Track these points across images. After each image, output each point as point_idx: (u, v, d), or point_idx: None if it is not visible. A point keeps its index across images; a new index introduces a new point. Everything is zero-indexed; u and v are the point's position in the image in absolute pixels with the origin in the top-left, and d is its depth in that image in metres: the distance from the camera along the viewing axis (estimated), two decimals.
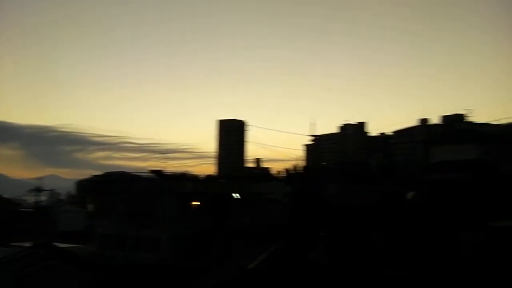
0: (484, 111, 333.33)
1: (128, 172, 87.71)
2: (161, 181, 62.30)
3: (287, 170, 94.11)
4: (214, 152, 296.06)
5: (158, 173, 65.28)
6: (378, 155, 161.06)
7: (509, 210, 37.15)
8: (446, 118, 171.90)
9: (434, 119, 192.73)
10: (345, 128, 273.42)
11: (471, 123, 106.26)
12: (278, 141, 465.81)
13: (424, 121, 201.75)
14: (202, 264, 38.62)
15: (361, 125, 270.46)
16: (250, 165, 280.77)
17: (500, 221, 34.68)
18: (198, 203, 56.59)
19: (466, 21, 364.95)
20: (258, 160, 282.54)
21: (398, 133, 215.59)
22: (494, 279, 28.47)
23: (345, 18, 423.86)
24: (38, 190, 66.93)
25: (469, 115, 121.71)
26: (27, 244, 50.73)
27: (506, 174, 55.97)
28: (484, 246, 32.22)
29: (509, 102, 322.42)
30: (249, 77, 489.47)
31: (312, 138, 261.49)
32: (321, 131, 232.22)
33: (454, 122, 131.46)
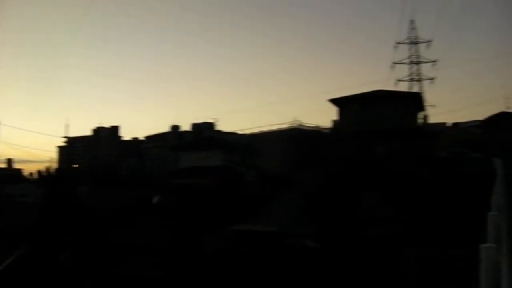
0: (230, 121, 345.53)
1: None
2: None
3: (39, 172, 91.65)
4: None
5: None
6: (130, 160, 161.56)
7: (248, 214, 39.75)
8: (195, 125, 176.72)
9: (185, 126, 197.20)
10: (99, 131, 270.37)
11: (218, 131, 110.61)
12: (31, 142, 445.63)
13: (175, 127, 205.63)
14: None
15: (114, 128, 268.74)
16: (1, 165, 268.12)
17: (240, 224, 36.91)
18: None
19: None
20: (9, 161, 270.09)
21: (151, 138, 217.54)
22: (238, 278, 30.26)
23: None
24: None
25: (217, 123, 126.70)
26: None
27: (248, 180, 59.61)
28: (226, 248, 34.08)
29: (254, 113, 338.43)
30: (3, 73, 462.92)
31: (65, 140, 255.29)
32: (75, 133, 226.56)
33: (203, 130, 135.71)
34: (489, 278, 4.32)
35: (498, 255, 5.24)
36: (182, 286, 30.69)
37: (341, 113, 70.90)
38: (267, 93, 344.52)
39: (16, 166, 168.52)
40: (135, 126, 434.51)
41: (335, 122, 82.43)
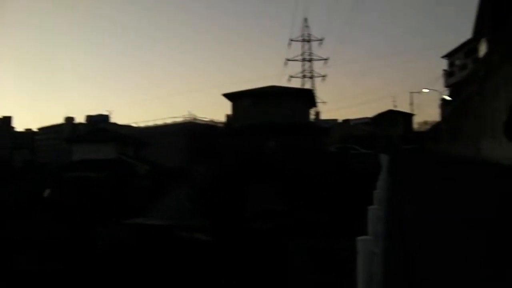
0: (125, 114, 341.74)
1: None
2: None
3: None
4: None
5: None
6: (23, 151, 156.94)
7: (141, 208, 39.58)
8: (90, 117, 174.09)
9: (80, 118, 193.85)
10: None
11: (113, 124, 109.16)
12: None
13: (70, 119, 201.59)
14: None
15: (7, 119, 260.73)
16: None
17: (133, 218, 36.74)
18: None
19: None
20: None
21: (44, 129, 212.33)
22: (130, 271, 30.07)
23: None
24: None
25: (111, 116, 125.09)
26: None
27: (141, 173, 59.26)
28: (119, 241, 33.82)
29: (149, 105, 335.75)
30: None
31: None
32: None
33: (98, 122, 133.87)
34: (365, 270, 4.59)
35: (375, 247, 5.57)
36: (75, 280, 30.27)
37: (234, 108, 71.42)
38: (162, 86, 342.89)
39: None
40: (28, 117, 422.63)
41: (228, 116, 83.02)
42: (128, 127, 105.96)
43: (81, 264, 31.21)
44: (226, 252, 28.94)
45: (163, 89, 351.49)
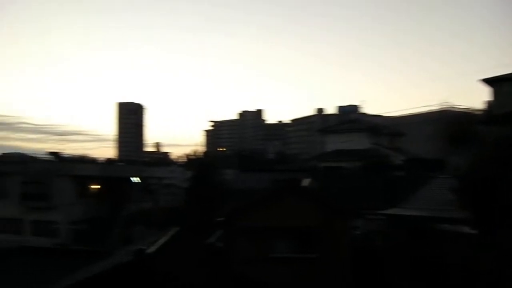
0: (376, 104, 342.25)
1: (25, 154, 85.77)
2: (59, 163, 61.29)
3: (187, 155, 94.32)
4: (113, 135, 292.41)
5: (55, 155, 64.19)
6: (275, 142, 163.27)
7: (397, 198, 38.74)
8: (341, 108, 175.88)
9: (330, 109, 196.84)
10: (244, 115, 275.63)
11: (364, 114, 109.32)
12: (178, 126, 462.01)
13: (320, 110, 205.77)
14: (101, 248, 38.46)
15: (259, 112, 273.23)
16: (150, 149, 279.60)
17: (390, 208, 36.06)
18: (97, 186, 56.06)
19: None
20: (157, 144, 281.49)
21: (295, 121, 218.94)
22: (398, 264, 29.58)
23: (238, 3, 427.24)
24: None
25: (362, 106, 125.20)
26: None
27: (396, 163, 58.30)
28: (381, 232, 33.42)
29: (400, 96, 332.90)
30: (149, 59, 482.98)
31: (212, 124, 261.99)
32: (220, 117, 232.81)
33: (348, 113, 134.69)
34: None
35: None
36: (331, 269, 30.46)
37: (495, 93, 67.51)
38: (413, 75, 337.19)
39: (164, 149, 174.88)
40: (280, 110, 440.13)
41: (488, 102, 78.95)
42: (379, 117, 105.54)
43: (336, 253, 31.26)
44: (494, 246, 27.15)
45: (414, 78, 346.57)
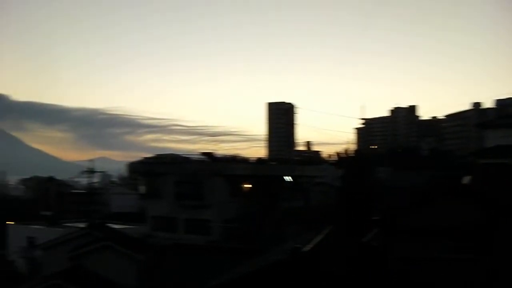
0: None
1: (178, 155, 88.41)
2: (212, 163, 62.58)
3: (338, 154, 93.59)
4: (264, 135, 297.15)
5: (209, 155, 65.59)
6: (429, 139, 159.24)
7: None
8: (499, 101, 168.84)
9: (487, 103, 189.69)
10: (396, 111, 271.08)
11: None
12: (328, 124, 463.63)
13: (477, 104, 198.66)
14: (253, 246, 38.71)
15: (412, 108, 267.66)
16: (300, 148, 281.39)
17: None
18: (249, 185, 56.74)
19: None
20: (308, 143, 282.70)
21: (450, 117, 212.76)
22: None
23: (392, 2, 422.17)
24: (90, 171, 68.13)
25: None
26: (81, 225, 51.58)
27: None
28: None
29: None
30: (298, 60, 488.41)
31: (363, 121, 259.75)
32: (371, 114, 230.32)
33: (508, 106, 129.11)
34: None
35: None
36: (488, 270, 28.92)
37: None
38: None
39: (314, 148, 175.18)
40: (433, 105, 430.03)
41: None
42: None
43: (495, 255, 29.64)
44: None
45: None
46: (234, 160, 69.59)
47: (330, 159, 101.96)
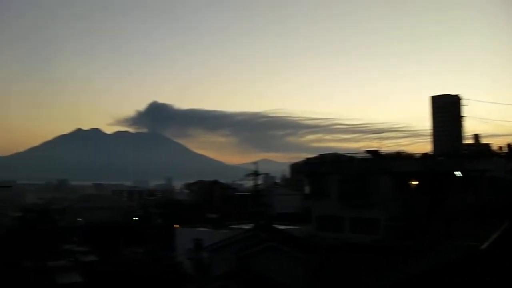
0: None
1: (342, 154, 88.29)
2: (377, 161, 61.88)
3: (509, 146, 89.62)
4: (429, 129, 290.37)
5: (374, 153, 64.86)
6: None
7: None
8: None
9: None
10: None
11: None
12: (498, 115, 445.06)
13: None
14: (420, 245, 37.89)
15: None
16: (468, 141, 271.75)
17: None
18: (415, 182, 55.66)
19: None
20: (476, 136, 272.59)
21: None
22: None
23: None
24: (255, 174, 69.45)
25: None
26: (246, 227, 52.78)
27: None
28: None
29: None
30: (463, 49, 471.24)
31: None
32: None
33: None
34: None
35: None
36: None
37: None
38: None
39: (483, 140, 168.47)
40: None
41: None
42: None
43: None
44: None
45: None
46: (399, 157, 68.35)
47: (501, 151, 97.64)
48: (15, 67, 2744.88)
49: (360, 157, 65.36)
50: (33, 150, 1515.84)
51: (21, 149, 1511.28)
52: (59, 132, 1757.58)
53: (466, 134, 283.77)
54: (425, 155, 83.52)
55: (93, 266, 58.31)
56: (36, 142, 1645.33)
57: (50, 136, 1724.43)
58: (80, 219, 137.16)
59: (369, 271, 29.69)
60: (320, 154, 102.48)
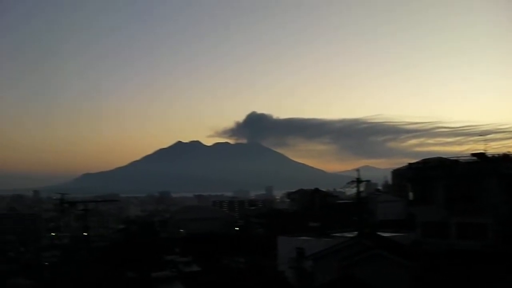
0: None
1: (446, 158, 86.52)
2: (484, 164, 60.28)
3: None
4: None
5: (480, 156, 63.20)
6: None
7: None
8: None
9: None
10: None
11: None
12: None
13: None
14: None
15: None
16: None
17: None
18: None
19: None
20: None
21: None
22: None
23: None
24: (357, 181, 68.74)
25: None
26: (349, 235, 52.42)
27: None
28: None
29: None
30: None
31: None
32: None
33: None
34: None
35: None
36: None
37: None
38: None
39: None
40: None
41: None
42: None
43: None
44: None
45: None
46: (507, 159, 66.32)
47: None
48: (119, 86, 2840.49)
49: (465, 161, 63.87)
50: (134, 164, 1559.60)
51: (123, 163, 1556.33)
52: (160, 145, 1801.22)
53: None
54: None
55: (196, 276, 59.22)
56: (137, 156, 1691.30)
57: (150, 150, 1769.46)
58: (182, 230, 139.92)
59: (478, 278, 28.93)
60: (423, 159, 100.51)
